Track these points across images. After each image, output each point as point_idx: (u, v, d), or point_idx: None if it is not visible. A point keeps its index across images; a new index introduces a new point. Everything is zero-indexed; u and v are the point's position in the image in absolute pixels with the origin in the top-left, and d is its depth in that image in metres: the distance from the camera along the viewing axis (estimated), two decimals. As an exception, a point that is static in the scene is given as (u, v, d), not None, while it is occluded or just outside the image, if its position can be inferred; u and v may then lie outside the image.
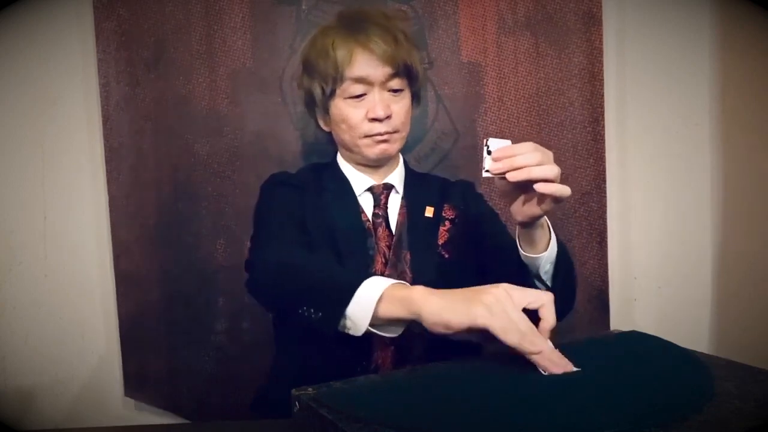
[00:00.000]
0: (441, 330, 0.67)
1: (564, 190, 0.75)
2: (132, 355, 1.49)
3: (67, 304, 1.55)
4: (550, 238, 0.86)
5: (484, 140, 0.77)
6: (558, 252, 0.87)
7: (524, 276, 0.89)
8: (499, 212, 1.12)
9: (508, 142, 0.76)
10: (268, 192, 1.06)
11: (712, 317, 1.54)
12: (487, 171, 0.76)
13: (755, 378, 0.62)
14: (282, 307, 0.85)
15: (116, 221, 1.47)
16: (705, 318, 1.54)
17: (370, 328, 0.72)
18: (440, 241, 1.01)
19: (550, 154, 0.76)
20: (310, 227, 0.98)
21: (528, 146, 0.75)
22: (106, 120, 1.46)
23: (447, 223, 1.03)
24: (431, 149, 1.43)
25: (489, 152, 0.76)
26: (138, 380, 1.50)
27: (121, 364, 1.50)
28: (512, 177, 0.74)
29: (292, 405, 0.62)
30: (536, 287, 0.90)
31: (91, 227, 1.54)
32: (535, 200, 0.78)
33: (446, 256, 1.00)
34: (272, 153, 1.42)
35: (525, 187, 0.77)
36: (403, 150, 1.38)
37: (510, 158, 0.74)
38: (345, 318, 0.73)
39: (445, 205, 1.04)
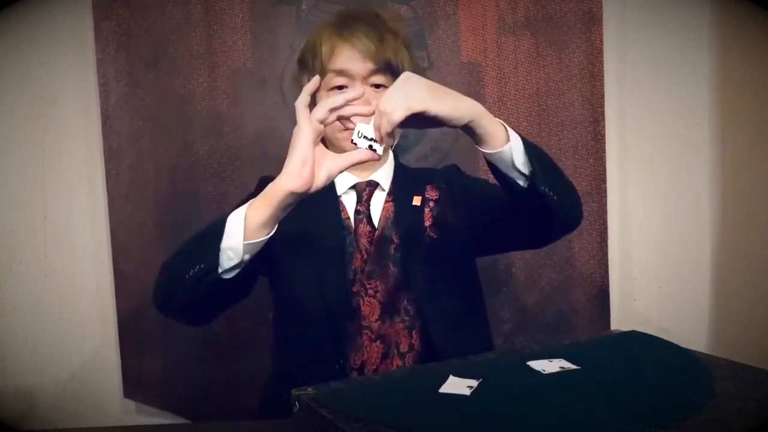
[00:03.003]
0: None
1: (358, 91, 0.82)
2: (131, 356, 1.49)
3: (67, 304, 1.55)
4: (507, 132, 0.82)
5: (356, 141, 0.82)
6: (531, 147, 0.83)
7: (509, 197, 0.86)
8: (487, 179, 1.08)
9: (368, 127, 0.80)
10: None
11: (712, 317, 1.54)
12: (372, 143, 0.80)
13: (755, 378, 0.62)
14: (173, 292, 0.87)
15: (115, 221, 1.47)
16: (705, 318, 1.54)
17: (246, 243, 0.80)
18: (427, 224, 1.01)
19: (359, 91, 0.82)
20: (285, 228, 0.97)
21: (327, 104, 0.83)
22: (105, 120, 1.46)
23: (431, 203, 1.03)
24: (431, 149, 1.43)
25: (369, 138, 0.81)
26: (137, 381, 1.49)
27: (120, 364, 1.50)
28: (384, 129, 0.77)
29: (292, 405, 0.62)
30: (516, 184, 0.83)
31: (91, 227, 1.53)
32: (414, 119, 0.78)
33: (434, 236, 1.01)
34: (272, 153, 1.42)
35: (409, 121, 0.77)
36: (404, 150, 1.40)
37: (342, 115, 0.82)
38: (222, 252, 0.80)
39: (427, 186, 1.05)
